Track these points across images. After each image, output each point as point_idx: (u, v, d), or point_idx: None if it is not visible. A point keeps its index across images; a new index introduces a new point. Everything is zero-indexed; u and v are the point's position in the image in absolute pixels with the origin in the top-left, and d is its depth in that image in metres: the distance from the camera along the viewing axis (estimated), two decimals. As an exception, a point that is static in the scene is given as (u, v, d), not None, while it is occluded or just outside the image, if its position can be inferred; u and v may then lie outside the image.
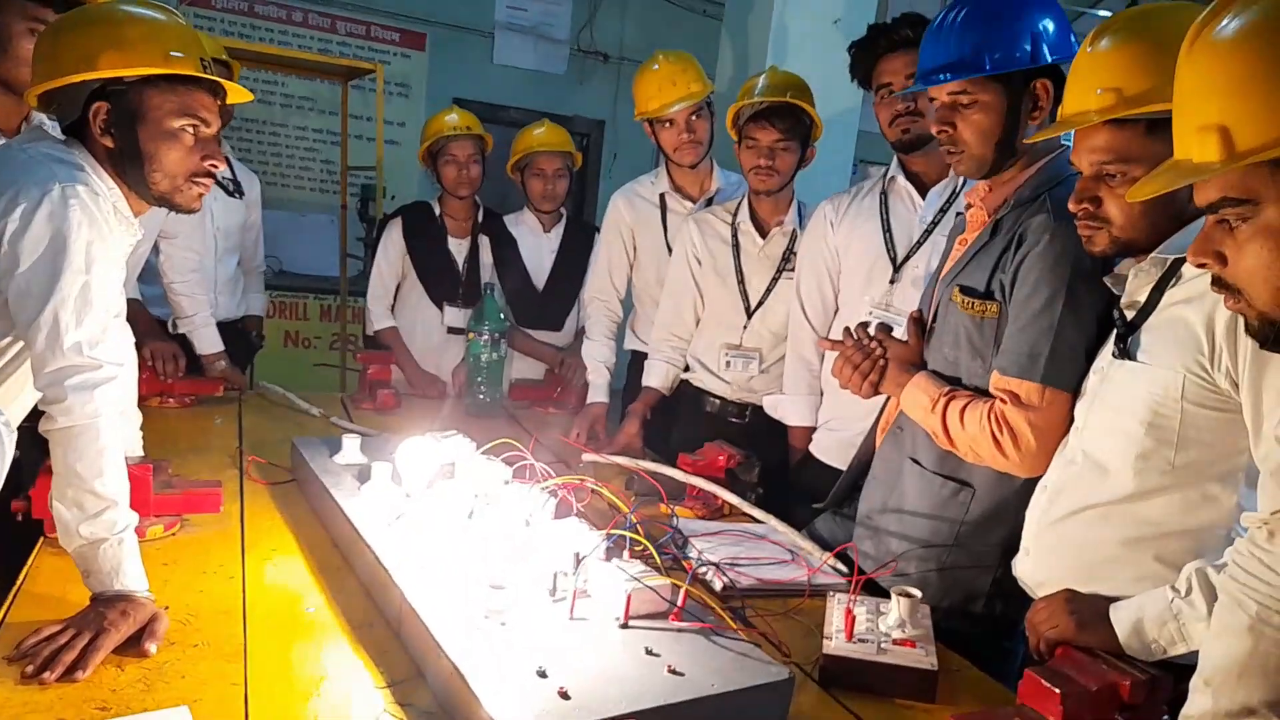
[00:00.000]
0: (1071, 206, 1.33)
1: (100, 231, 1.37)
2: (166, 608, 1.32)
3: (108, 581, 1.28)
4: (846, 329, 1.79)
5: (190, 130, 1.46)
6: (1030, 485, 1.56)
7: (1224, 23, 0.91)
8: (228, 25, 5.45)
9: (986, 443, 1.50)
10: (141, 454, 1.79)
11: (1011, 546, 1.57)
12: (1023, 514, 1.55)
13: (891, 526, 1.72)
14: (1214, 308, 1.18)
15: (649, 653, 1.23)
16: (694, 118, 2.54)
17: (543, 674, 1.14)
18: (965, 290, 1.61)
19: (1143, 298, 1.31)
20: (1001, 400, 1.49)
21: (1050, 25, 1.54)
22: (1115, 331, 1.34)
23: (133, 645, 1.23)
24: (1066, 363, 1.46)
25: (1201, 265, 0.99)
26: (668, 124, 2.56)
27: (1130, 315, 1.32)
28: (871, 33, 2.12)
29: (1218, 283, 0.99)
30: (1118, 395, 1.31)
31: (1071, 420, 1.45)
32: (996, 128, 1.55)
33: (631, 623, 1.30)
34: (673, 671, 1.18)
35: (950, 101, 1.56)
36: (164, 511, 1.65)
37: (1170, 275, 1.27)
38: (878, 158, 5.80)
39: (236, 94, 1.58)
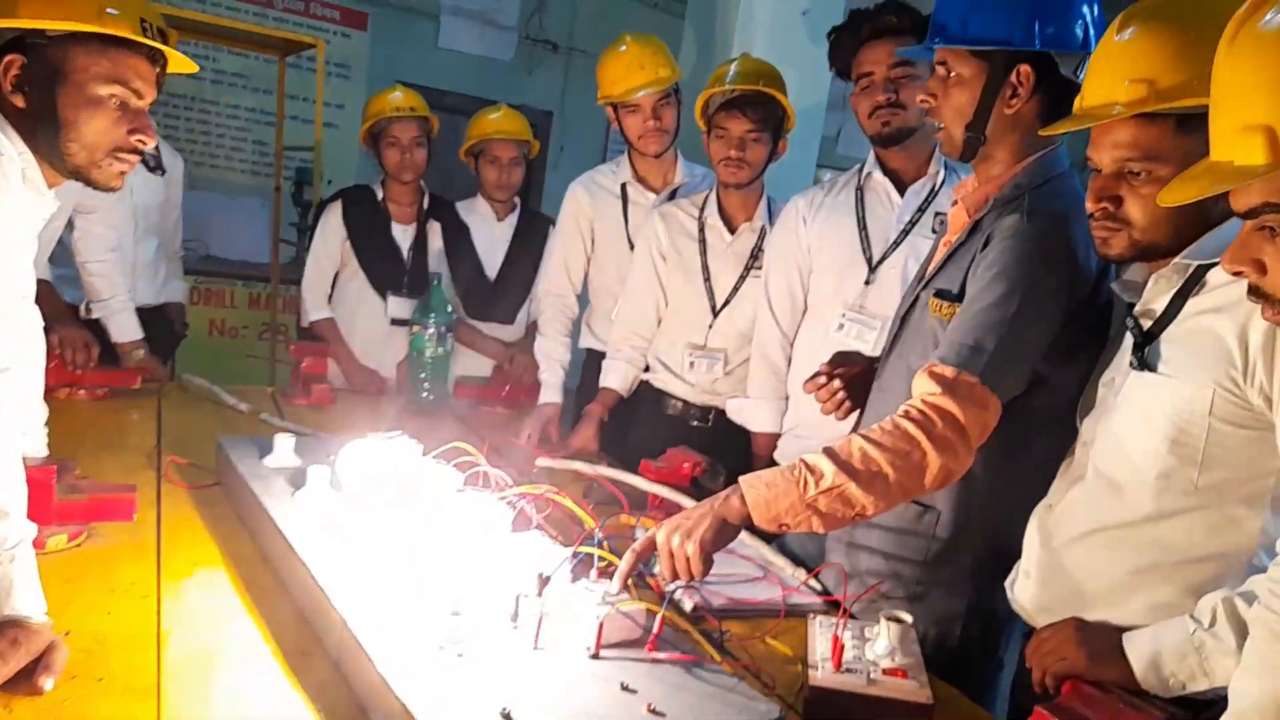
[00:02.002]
0: (1089, 206, 1.25)
1: (3, 196, 1.19)
2: (67, 634, 1.14)
3: None
4: (814, 375, 1.73)
5: (118, 99, 1.29)
6: (997, 502, 1.49)
7: (1270, 15, 0.84)
8: (155, -7, 5.15)
9: (920, 443, 1.30)
10: (45, 453, 1.60)
11: (985, 568, 1.51)
12: (992, 533, 1.49)
13: (862, 542, 1.63)
14: (1248, 318, 1.10)
15: (625, 688, 1.10)
16: (661, 104, 2.43)
17: (507, 717, 1.00)
18: (940, 294, 1.53)
19: (1161, 306, 1.23)
20: (931, 392, 1.34)
21: (1061, 9, 1.44)
22: (1132, 341, 1.25)
23: (24, 680, 1.05)
24: (1008, 367, 1.37)
25: (1238, 274, 0.93)
26: (633, 110, 2.44)
27: (1146, 325, 1.24)
28: (854, 18, 2.02)
29: (1255, 292, 0.93)
30: (1135, 409, 1.23)
31: (1060, 433, 1.38)
32: (968, 107, 1.48)
33: (603, 653, 1.17)
34: (653, 711, 1.06)
35: (941, 73, 1.50)
36: (68, 519, 1.46)
37: (1193, 283, 1.19)
38: (832, 163, 5.77)
39: (179, 63, 1.40)
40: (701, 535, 1.32)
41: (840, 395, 1.69)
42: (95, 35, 1.26)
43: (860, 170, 2.13)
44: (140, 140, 1.34)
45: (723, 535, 1.34)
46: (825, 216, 2.13)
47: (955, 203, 1.61)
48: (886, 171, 2.09)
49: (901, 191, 2.07)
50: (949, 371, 1.35)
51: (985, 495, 1.50)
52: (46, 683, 1.06)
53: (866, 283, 2.05)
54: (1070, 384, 1.44)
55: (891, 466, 1.31)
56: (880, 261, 2.05)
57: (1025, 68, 1.45)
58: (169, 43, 2.73)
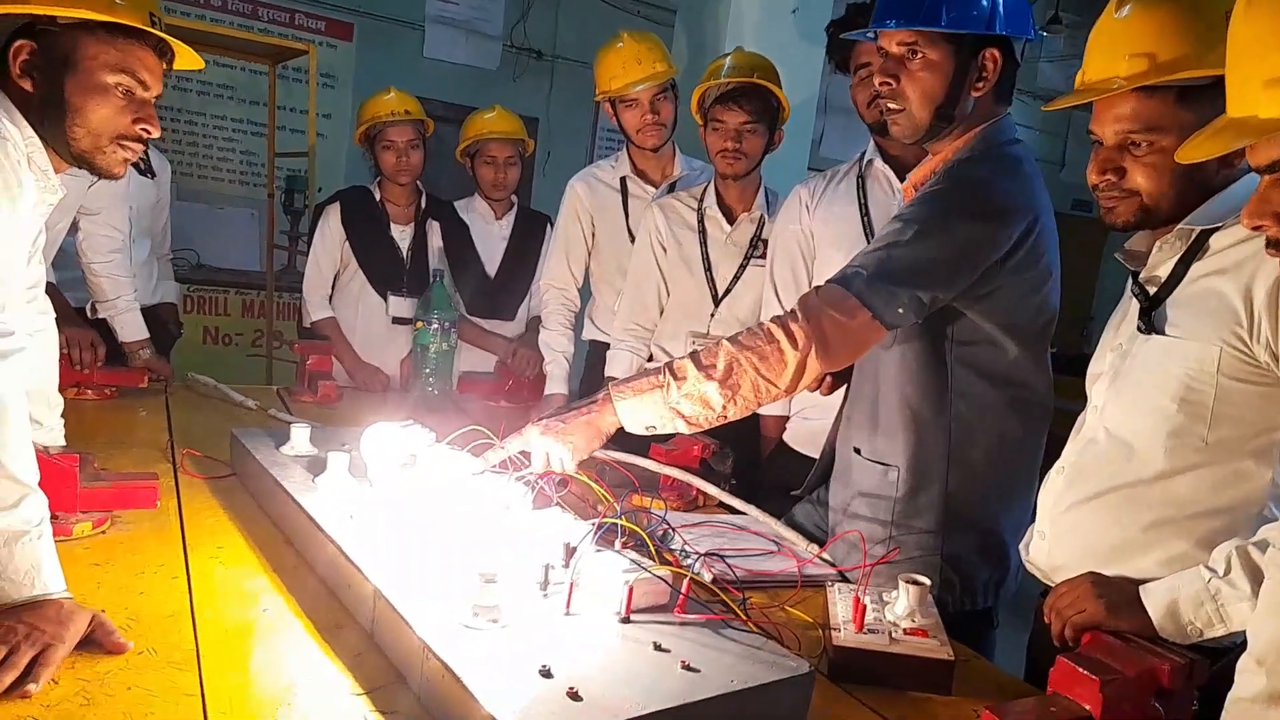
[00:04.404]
0: (1093, 178, 1.28)
1: (6, 180, 1.20)
2: (102, 610, 1.16)
3: (24, 584, 1.09)
4: None
5: (124, 88, 1.30)
6: (951, 460, 1.55)
7: None
8: (141, 5, 5.14)
9: (779, 341, 1.40)
10: (63, 444, 1.60)
11: (950, 527, 1.56)
12: (949, 488, 1.55)
13: (855, 510, 1.68)
14: (1251, 279, 1.14)
15: (658, 648, 1.12)
16: (658, 99, 2.46)
17: (547, 673, 1.02)
18: None
19: (1165, 272, 1.27)
20: (802, 298, 1.44)
21: None
22: (1138, 307, 1.29)
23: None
24: (883, 286, 1.41)
25: (1257, 228, 0.94)
26: (631, 104, 2.47)
27: (1152, 290, 1.28)
28: (850, 13, 2.07)
29: (1275, 245, 0.94)
30: (1145, 371, 1.27)
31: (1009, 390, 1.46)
32: (939, 90, 1.50)
33: (633, 616, 1.20)
34: (687, 668, 1.08)
35: (899, 54, 1.51)
36: (92, 507, 1.47)
37: (1197, 247, 1.23)
38: (815, 165, 5.83)
39: (187, 59, 1.41)
40: (574, 443, 1.49)
41: None
42: (105, 24, 1.27)
43: (861, 158, 2.17)
44: (145, 129, 1.35)
45: (594, 443, 1.51)
46: (828, 203, 2.17)
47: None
48: (887, 159, 2.13)
49: (902, 178, 2.10)
50: (822, 284, 1.44)
51: (937, 450, 1.55)
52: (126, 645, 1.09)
53: (870, 266, 2.09)
54: (1012, 342, 1.51)
55: (751, 365, 1.41)
56: (882, 246, 2.08)
57: (994, 52, 1.50)
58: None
